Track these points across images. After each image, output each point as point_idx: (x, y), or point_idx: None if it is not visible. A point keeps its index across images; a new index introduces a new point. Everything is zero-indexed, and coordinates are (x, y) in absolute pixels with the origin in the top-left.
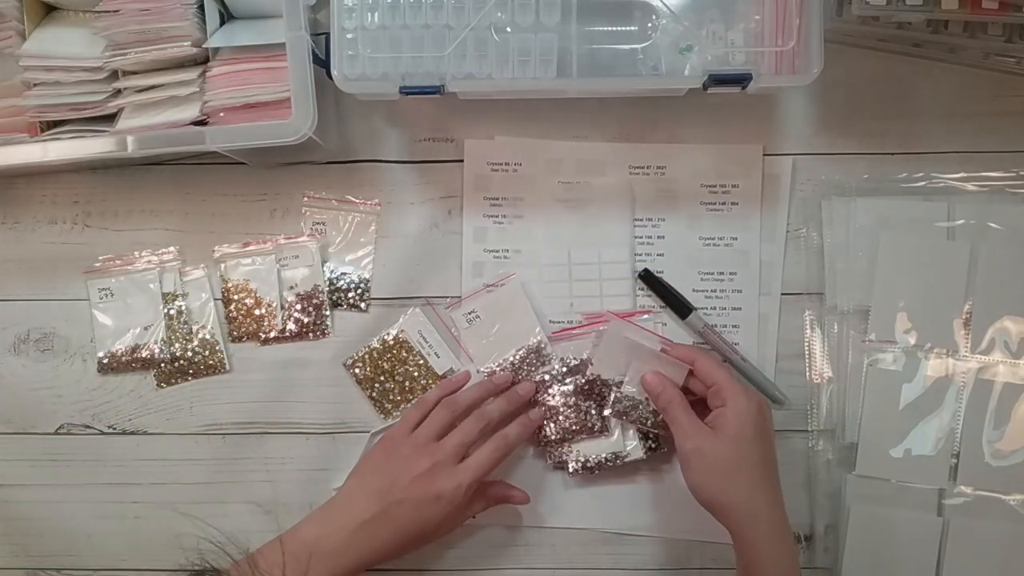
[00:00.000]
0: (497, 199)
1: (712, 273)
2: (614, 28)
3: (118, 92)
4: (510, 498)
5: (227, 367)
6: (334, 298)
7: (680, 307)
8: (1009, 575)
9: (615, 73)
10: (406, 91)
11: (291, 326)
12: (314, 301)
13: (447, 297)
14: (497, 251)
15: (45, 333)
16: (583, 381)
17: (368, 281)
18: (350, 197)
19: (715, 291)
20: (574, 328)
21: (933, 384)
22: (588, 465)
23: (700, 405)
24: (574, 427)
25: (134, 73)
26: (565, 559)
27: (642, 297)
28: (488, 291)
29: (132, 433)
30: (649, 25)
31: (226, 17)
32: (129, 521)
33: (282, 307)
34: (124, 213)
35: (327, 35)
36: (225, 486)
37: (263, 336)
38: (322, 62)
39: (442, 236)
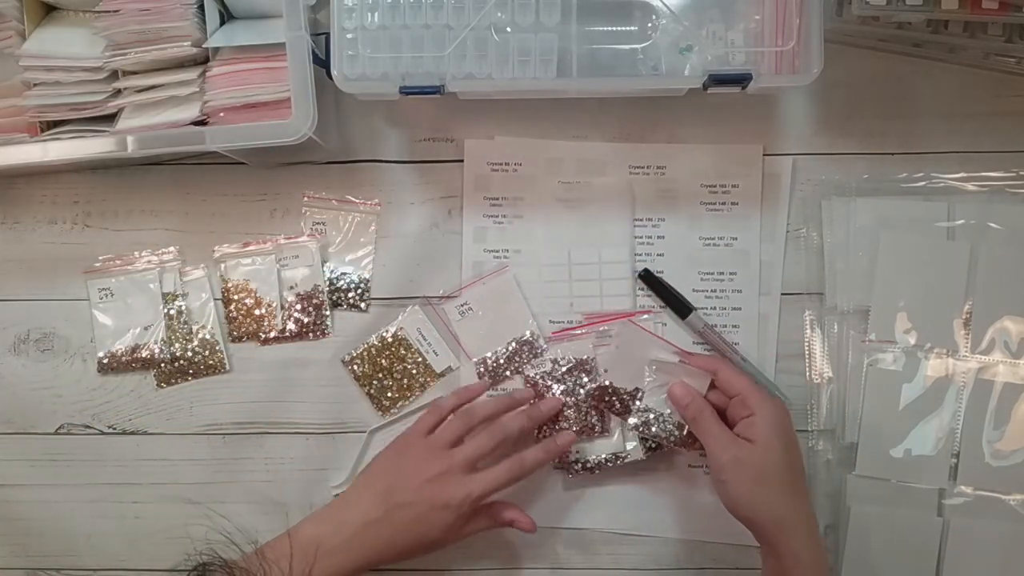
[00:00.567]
0: (497, 199)
1: (712, 273)
2: (614, 28)
3: (118, 92)
4: (516, 522)
5: (227, 367)
6: (334, 298)
7: (680, 307)
8: (1009, 575)
9: (615, 73)
10: (406, 91)
11: (291, 326)
12: (314, 301)
13: (447, 297)
14: (497, 251)
15: (45, 333)
16: (594, 387)
17: (368, 281)
18: (350, 197)
19: (715, 291)
20: (574, 328)
21: (933, 384)
22: (588, 465)
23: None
24: (574, 428)
25: (134, 73)
26: (565, 559)
27: (642, 297)
28: (482, 283)
29: (132, 433)
30: (649, 25)
31: (226, 17)
32: (129, 521)
33: (282, 307)
34: (124, 213)
35: (327, 35)
36: (225, 486)
37: (263, 336)
38: (322, 62)
39: (442, 236)
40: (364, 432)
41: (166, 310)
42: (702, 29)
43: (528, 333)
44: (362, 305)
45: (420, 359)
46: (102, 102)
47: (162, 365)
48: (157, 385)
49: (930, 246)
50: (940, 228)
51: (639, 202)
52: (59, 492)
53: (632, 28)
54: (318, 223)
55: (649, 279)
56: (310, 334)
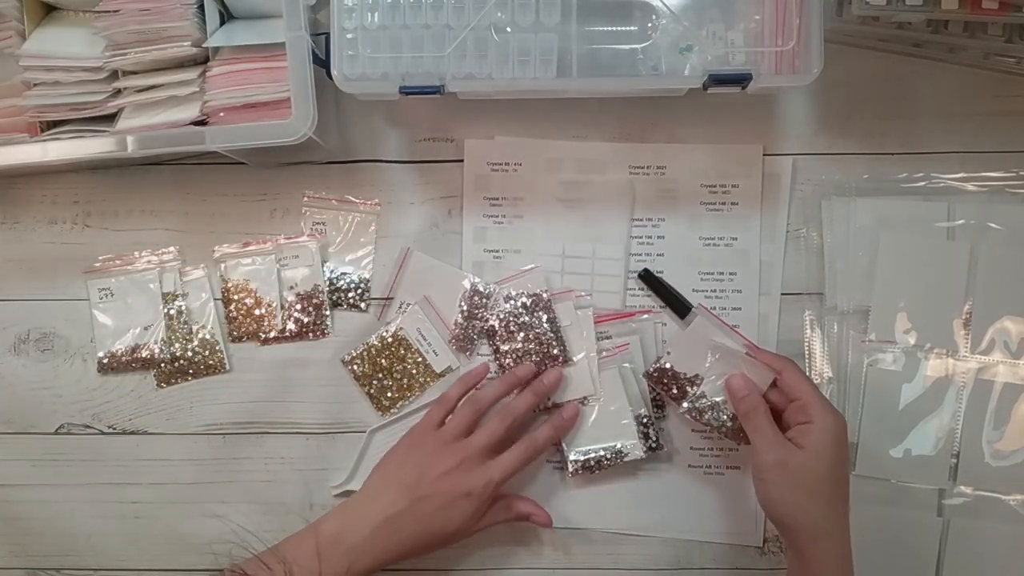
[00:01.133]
0: (497, 199)
1: (712, 273)
2: (614, 28)
3: (118, 92)
4: (533, 516)
5: (227, 367)
6: (334, 298)
7: (680, 307)
8: (1009, 575)
9: (615, 73)
10: (406, 91)
11: (291, 326)
12: (314, 301)
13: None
14: (497, 251)
15: (45, 333)
16: (652, 369)
17: (368, 281)
18: (350, 197)
19: (715, 291)
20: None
21: (933, 384)
22: (588, 465)
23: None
24: (535, 358)
25: (134, 73)
26: (565, 559)
27: (642, 297)
28: (399, 279)
29: (132, 433)
30: (649, 25)
31: (226, 17)
32: (129, 521)
33: (282, 307)
34: (124, 213)
35: (327, 35)
36: (225, 486)
37: (263, 336)
38: (322, 62)
39: (442, 236)
40: (364, 432)
41: (166, 310)
42: (702, 29)
43: (468, 285)
44: (362, 305)
45: (420, 359)
46: (102, 102)
47: (162, 365)
48: (157, 385)
49: (930, 246)
50: (940, 228)
51: (639, 202)
52: (59, 492)
53: (632, 28)
54: (318, 223)
55: (649, 279)
56: (310, 334)
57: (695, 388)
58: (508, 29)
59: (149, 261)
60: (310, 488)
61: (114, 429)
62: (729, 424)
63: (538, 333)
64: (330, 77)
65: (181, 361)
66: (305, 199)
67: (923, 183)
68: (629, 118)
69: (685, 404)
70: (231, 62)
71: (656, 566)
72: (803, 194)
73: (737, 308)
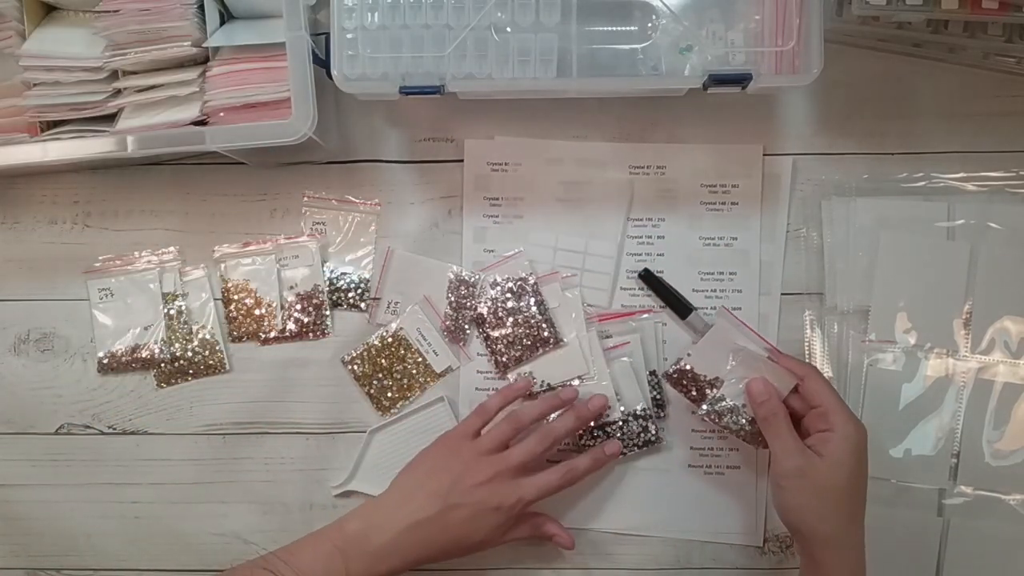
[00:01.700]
0: (497, 199)
1: (712, 273)
2: (614, 28)
3: (118, 92)
4: (556, 537)
5: (227, 367)
6: (334, 298)
7: (680, 307)
8: (1009, 575)
9: (615, 73)
10: (406, 91)
11: (291, 326)
12: (314, 301)
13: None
14: (497, 251)
15: (45, 333)
16: (672, 370)
17: (368, 281)
18: (350, 197)
19: (715, 291)
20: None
21: (933, 384)
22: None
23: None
24: (526, 342)
25: (134, 73)
26: (565, 559)
27: (642, 297)
28: (383, 279)
29: (132, 433)
30: (649, 25)
31: (226, 17)
32: (129, 521)
33: (282, 307)
34: (124, 213)
35: (327, 35)
36: (225, 486)
37: (263, 336)
38: (322, 62)
39: (442, 236)
40: (364, 432)
41: (166, 310)
42: (702, 29)
43: (452, 275)
44: (362, 305)
45: (420, 359)
46: (102, 102)
47: (162, 365)
48: (157, 385)
49: (930, 246)
50: (940, 228)
51: (639, 202)
52: (59, 492)
53: (632, 28)
54: (318, 223)
55: (649, 279)
56: (310, 334)
57: (715, 390)
58: (508, 29)
59: (149, 261)
60: (310, 488)
61: (114, 429)
62: (748, 428)
63: (527, 317)
64: (330, 77)
65: (181, 361)
66: (305, 199)
67: (923, 183)
68: (629, 118)
69: (704, 406)
70: (231, 62)
71: (656, 566)
72: (803, 194)
73: (737, 308)
